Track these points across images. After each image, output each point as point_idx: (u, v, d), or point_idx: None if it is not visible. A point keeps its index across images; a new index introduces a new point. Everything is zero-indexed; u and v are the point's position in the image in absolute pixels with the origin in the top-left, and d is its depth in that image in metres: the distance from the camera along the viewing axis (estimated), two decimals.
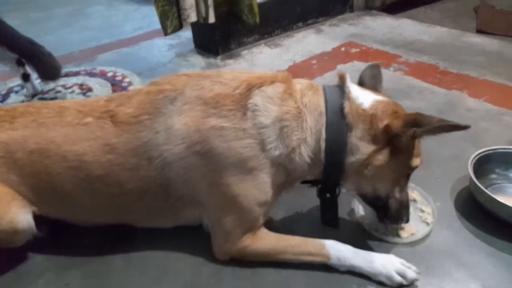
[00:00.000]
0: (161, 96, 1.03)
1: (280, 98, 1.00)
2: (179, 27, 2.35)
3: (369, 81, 1.12)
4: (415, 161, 1.03)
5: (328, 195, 1.09)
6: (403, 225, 1.14)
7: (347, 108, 0.99)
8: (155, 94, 1.04)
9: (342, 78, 1.04)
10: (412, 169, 1.05)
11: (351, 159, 1.00)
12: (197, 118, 0.98)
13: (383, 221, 1.11)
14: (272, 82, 1.02)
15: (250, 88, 1.01)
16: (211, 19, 2.28)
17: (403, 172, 1.04)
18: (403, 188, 1.07)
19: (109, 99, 1.09)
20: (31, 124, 1.05)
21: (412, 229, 1.16)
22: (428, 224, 1.17)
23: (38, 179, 1.03)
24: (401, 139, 0.96)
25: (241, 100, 0.99)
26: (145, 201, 1.06)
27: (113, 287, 1.06)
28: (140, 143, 1.00)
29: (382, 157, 0.99)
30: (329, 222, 1.14)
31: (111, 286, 1.06)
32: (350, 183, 1.06)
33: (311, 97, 1.02)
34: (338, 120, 0.99)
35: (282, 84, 1.02)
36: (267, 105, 0.99)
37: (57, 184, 1.03)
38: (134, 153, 1.00)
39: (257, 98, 0.99)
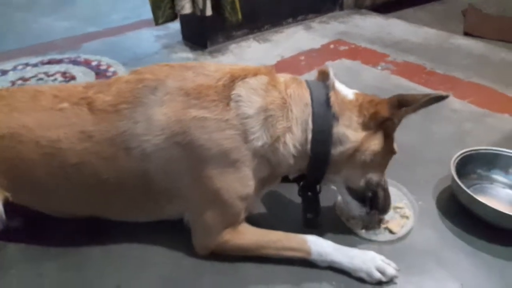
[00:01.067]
0: (141, 86, 1.00)
1: (264, 89, 1.00)
2: (172, 18, 2.31)
3: None
4: (395, 147, 1.08)
5: (309, 193, 1.09)
6: (389, 222, 1.17)
7: (333, 98, 1.00)
8: (135, 83, 1.01)
9: (324, 73, 1.06)
10: (393, 154, 1.09)
11: (340, 148, 1.01)
12: (178, 108, 0.96)
13: (372, 214, 1.12)
14: (255, 74, 1.02)
15: (234, 79, 1.00)
16: (208, 11, 2.23)
17: (389, 157, 1.09)
18: (385, 176, 1.11)
19: (87, 86, 1.06)
20: (3, 108, 1.01)
21: (400, 222, 1.17)
22: (408, 217, 1.19)
23: (11, 164, 1.00)
24: (393, 121, 1.00)
25: (224, 91, 0.98)
26: (124, 193, 1.03)
27: (89, 279, 1.03)
28: (118, 133, 0.97)
29: (377, 142, 1.02)
30: (310, 223, 1.13)
31: (87, 278, 1.03)
32: (341, 176, 1.07)
33: (295, 88, 1.02)
34: (325, 110, 1.00)
35: (266, 76, 1.02)
36: (251, 96, 0.98)
37: (31, 171, 1.00)
38: (111, 142, 0.98)
39: (240, 89, 0.98)
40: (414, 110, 0.97)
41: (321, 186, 1.11)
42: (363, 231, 1.15)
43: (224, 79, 1.00)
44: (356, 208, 1.12)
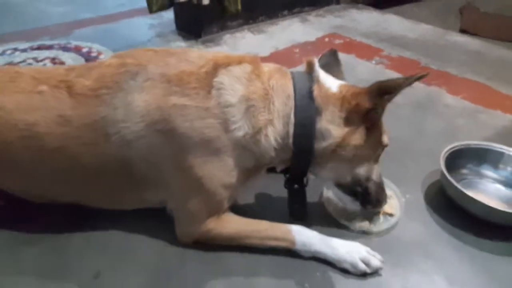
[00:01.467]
0: (122, 70, 0.97)
1: (247, 78, 0.97)
2: (167, 6, 2.28)
3: (329, 69, 1.09)
4: (385, 139, 1.05)
5: (296, 185, 1.07)
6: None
7: (316, 91, 0.98)
8: (117, 67, 0.98)
9: (310, 64, 1.03)
10: (383, 147, 1.06)
11: (323, 144, 0.98)
12: (159, 95, 0.93)
13: (366, 208, 1.11)
14: (240, 62, 0.99)
15: (217, 67, 0.97)
16: (206, 0, 2.21)
17: (377, 150, 1.06)
18: (377, 170, 1.09)
19: (69, 68, 1.03)
20: None
21: (390, 203, 1.18)
22: (391, 196, 1.21)
23: None
24: (377, 111, 0.97)
25: (206, 79, 0.95)
26: (104, 180, 1.01)
27: (69, 265, 1.01)
28: (97, 118, 0.94)
29: (359, 136, 0.99)
30: (297, 215, 1.11)
31: (67, 264, 1.01)
32: (328, 170, 1.04)
33: (278, 79, 0.99)
34: (307, 104, 0.97)
35: (250, 65, 0.99)
36: (233, 84, 0.95)
37: (8, 154, 0.97)
38: (90, 128, 0.95)
39: (223, 77, 0.96)
40: (395, 95, 0.94)
41: (308, 179, 1.09)
42: (363, 225, 1.13)
43: (207, 66, 0.97)
44: (350, 203, 1.11)
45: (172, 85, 0.94)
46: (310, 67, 1.02)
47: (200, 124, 0.93)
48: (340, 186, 1.09)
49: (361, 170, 1.04)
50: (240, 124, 0.95)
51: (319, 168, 1.04)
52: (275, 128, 0.97)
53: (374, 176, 1.07)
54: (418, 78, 0.91)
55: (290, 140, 0.97)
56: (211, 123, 0.93)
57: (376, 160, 1.08)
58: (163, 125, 0.93)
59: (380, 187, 1.10)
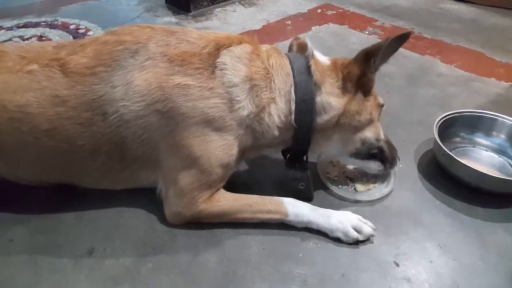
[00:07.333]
0: (120, 48, 0.95)
1: (248, 58, 0.98)
2: None
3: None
4: (380, 100, 1.08)
5: (297, 164, 1.09)
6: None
7: (313, 67, 1.00)
8: (114, 44, 0.96)
9: (302, 45, 1.07)
10: (381, 107, 1.09)
11: (325, 117, 1.01)
12: (160, 75, 0.92)
13: (386, 167, 1.12)
14: (240, 42, 1.01)
15: (219, 48, 0.98)
16: None
17: (377, 111, 1.08)
18: (382, 129, 1.11)
19: (58, 46, 1.00)
20: None
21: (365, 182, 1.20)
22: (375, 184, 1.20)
23: None
24: (367, 76, 1.00)
25: (209, 59, 0.95)
26: (98, 160, 0.99)
27: (62, 243, 1.01)
28: (95, 97, 0.93)
29: (358, 102, 1.03)
30: (302, 193, 1.09)
31: (58, 242, 1.01)
32: (335, 143, 1.06)
33: (277, 58, 1.02)
34: (306, 80, 0.99)
35: (249, 45, 1.01)
36: (236, 64, 0.96)
37: None
38: (87, 107, 0.93)
39: (225, 58, 0.96)
40: (382, 57, 0.96)
41: (308, 156, 1.10)
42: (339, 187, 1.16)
43: (209, 47, 0.97)
44: (373, 167, 1.12)
45: (174, 65, 0.93)
46: (302, 47, 1.06)
47: (203, 104, 0.92)
48: (355, 155, 1.09)
49: (368, 133, 1.06)
50: (244, 104, 0.96)
51: (326, 143, 1.06)
52: (278, 106, 0.99)
53: (382, 135, 1.09)
54: (401, 38, 0.94)
55: (293, 117, 0.99)
56: (215, 103, 0.93)
57: (378, 120, 1.10)
58: (163, 104, 0.92)
59: (390, 145, 1.12)
